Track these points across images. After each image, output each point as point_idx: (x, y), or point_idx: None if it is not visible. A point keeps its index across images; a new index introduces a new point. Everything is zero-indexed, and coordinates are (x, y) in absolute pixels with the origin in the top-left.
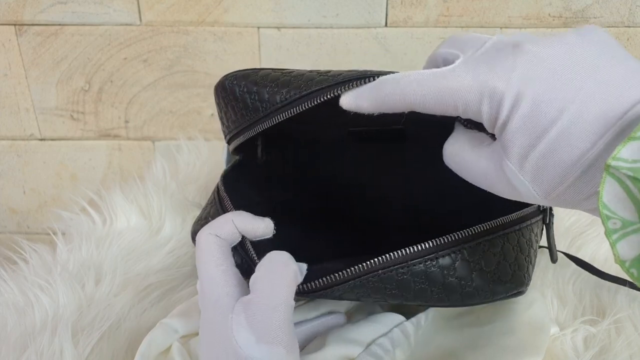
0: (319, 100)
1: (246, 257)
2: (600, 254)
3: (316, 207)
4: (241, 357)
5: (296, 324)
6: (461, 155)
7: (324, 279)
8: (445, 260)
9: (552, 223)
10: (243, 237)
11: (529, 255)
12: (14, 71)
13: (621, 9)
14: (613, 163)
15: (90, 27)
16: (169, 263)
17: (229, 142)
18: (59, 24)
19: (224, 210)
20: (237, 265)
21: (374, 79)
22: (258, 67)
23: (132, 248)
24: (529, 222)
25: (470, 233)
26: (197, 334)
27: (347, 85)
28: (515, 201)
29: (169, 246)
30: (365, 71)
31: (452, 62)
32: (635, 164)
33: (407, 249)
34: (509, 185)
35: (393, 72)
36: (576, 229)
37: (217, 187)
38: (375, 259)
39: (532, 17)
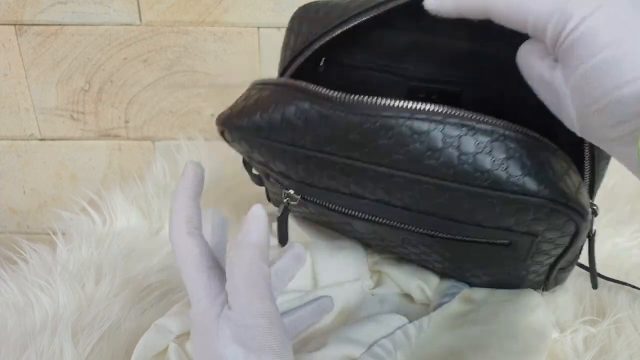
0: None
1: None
2: (600, 253)
3: None
4: None
5: (285, 313)
6: (530, 57)
7: (356, 97)
8: (483, 135)
9: (594, 240)
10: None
11: (579, 186)
12: (14, 71)
13: None
14: None
15: (90, 27)
16: (169, 263)
17: (287, 67)
18: (59, 24)
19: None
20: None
21: None
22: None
23: (132, 248)
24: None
25: (521, 130)
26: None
27: None
28: None
29: (169, 246)
30: None
31: None
32: None
33: (451, 109)
34: (556, 97)
35: None
36: None
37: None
38: (413, 103)
39: None
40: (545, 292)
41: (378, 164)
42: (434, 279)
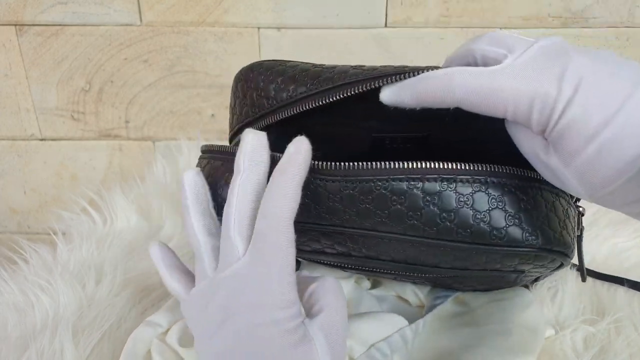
0: (354, 92)
1: None
2: (600, 253)
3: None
4: None
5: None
6: (518, 134)
7: (333, 164)
8: (463, 186)
9: (582, 237)
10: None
11: (564, 223)
12: (15, 71)
13: (621, 9)
14: None
15: (90, 28)
16: None
17: (234, 135)
18: (60, 24)
19: (230, 154)
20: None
21: (414, 74)
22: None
23: (132, 248)
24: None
25: (497, 169)
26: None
27: (385, 80)
28: None
29: (169, 246)
30: (404, 66)
31: (497, 60)
32: None
33: (429, 163)
34: (555, 176)
35: (430, 67)
36: None
37: (207, 152)
38: (389, 162)
39: (532, 18)
40: (544, 292)
41: (382, 230)
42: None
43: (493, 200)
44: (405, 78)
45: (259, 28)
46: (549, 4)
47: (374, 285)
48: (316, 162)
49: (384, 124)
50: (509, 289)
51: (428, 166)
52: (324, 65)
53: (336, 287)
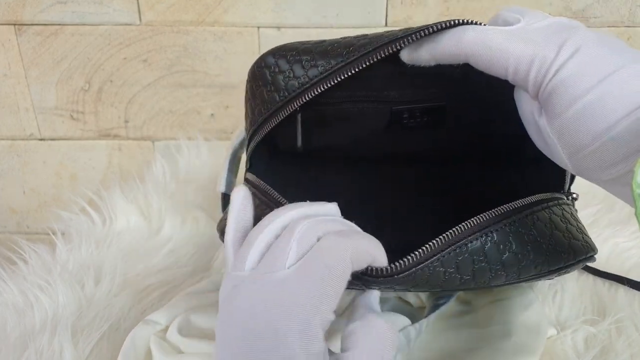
0: (378, 57)
1: None
2: (601, 253)
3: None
4: None
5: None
6: (520, 98)
7: (383, 269)
8: (500, 234)
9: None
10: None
11: (579, 227)
12: (14, 71)
13: (621, 9)
14: None
15: (90, 27)
16: (169, 263)
17: (255, 131)
18: (59, 24)
19: (274, 202)
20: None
21: (432, 31)
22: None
23: (131, 248)
24: (565, 201)
25: (517, 206)
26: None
27: (409, 38)
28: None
29: (168, 246)
30: (410, 28)
31: (512, 23)
32: None
33: (463, 225)
34: (543, 140)
35: (448, 22)
36: None
37: (252, 183)
38: (433, 242)
39: None
40: (545, 291)
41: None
42: None
43: (502, 246)
44: (424, 35)
45: (258, 28)
46: (549, 3)
47: None
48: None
49: (402, 94)
50: (511, 288)
51: (447, 238)
52: (345, 37)
53: (383, 335)
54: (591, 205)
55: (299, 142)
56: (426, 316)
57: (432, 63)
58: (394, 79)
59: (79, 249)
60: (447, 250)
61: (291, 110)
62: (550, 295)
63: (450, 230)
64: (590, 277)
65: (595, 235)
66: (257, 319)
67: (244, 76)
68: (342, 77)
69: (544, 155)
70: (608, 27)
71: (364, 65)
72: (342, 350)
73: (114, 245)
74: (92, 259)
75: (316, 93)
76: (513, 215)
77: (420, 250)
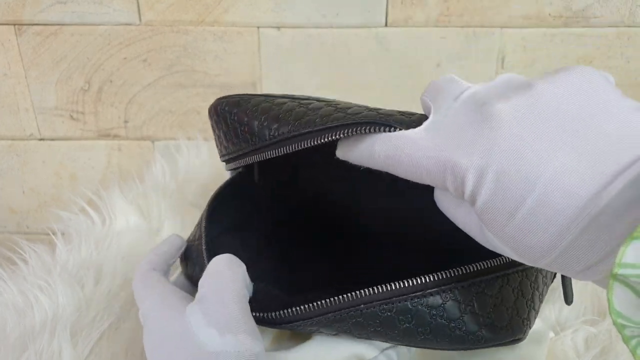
0: (306, 145)
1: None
2: None
3: (304, 233)
4: (208, 354)
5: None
6: (448, 208)
7: (302, 307)
8: (434, 300)
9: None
10: (201, 249)
11: (532, 300)
12: (14, 71)
13: (621, 9)
14: (620, 271)
15: (89, 27)
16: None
17: (226, 162)
18: (59, 24)
19: (200, 233)
20: (191, 277)
21: (359, 130)
22: (250, 92)
23: (131, 248)
24: (531, 272)
25: (464, 271)
26: None
27: (331, 134)
28: None
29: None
30: (358, 115)
31: (428, 113)
32: None
33: (393, 284)
34: (492, 246)
35: (386, 119)
36: None
37: (206, 207)
38: (357, 292)
39: (533, 17)
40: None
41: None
42: None
43: (463, 306)
44: (351, 134)
45: (258, 27)
46: (549, 3)
47: None
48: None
49: None
50: None
51: (393, 287)
52: (282, 105)
53: (217, 261)
54: None
55: (256, 177)
56: None
57: (360, 164)
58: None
59: (79, 249)
60: (374, 303)
61: (249, 162)
62: (549, 295)
63: (378, 286)
64: None
65: None
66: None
67: (244, 76)
68: (289, 150)
69: None
70: (608, 27)
71: (306, 145)
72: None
73: (113, 245)
74: (91, 259)
75: (267, 157)
76: (456, 282)
77: (340, 297)
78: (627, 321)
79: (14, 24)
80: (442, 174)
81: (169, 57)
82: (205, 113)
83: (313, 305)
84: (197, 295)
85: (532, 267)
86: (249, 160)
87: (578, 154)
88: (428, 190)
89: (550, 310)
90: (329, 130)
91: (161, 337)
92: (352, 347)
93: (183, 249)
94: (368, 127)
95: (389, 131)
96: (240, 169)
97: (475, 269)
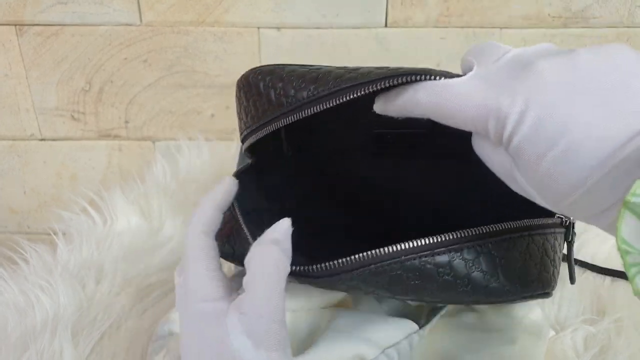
0: (347, 98)
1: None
2: (600, 253)
3: (330, 215)
4: None
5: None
6: (482, 147)
7: (344, 259)
8: (470, 253)
9: (574, 242)
10: (239, 225)
11: (554, 260)
12: (15, 71)
13: (621, 9)
14: (633, 199)
15: (90, 27)
16: (170, 263)
17: (244, 140)
18: (60, 24)
19: (234, 218)
20: (232, 255)
21: (403, 80)
22: (281, 63)
23: (132, 248)
24: (553, 231)
25: (495, 229)
26: None
27: (375, 85)
28: (540, 207)
29: (169, 246)
30: (397, 69)
31: (468, 71)
32: None
33: (432, 238)
34: (520, 188)
35: (425, 70)
36: (576, 230)
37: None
38: (397, 245)
39: (532, 17)
40: None
41: (409, 298)
42: None
43: (497, 259)
44: (392, 84)
45: (259, 28)
46: (549, 4)
47: None
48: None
49: (383, 119)
50: None
51: (432, 241)
52: (320, 69)
53: (262, 254)
54: None
55: (286, 149)
56: (427, 320)
57: (401, 117)
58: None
59: (80, 249)
60: (410, 256)
61: (279, 126)
62: None
63: (419, 239)
64: (590, 277)
65: (594, 235)
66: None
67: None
68: (328, 106)
69: None
70: (608, 27)
71: (348, 98)
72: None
73: (114, 245)
74: (92, 259)
75: (302, 117)
76: (489, 237)
77: (381, 249)
78: (631, 248)
79: (15, 25)
80: (485, 118)
81: (170, 58)
82: (206, 113)
83: (356, 257)
84: (240, 296)
85: (551, 234)
86: (282, 122)
87: (610, 111)
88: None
89: (550, 309)
90: (372, 82)
91: (198, 329)
92: (354, 348)
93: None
94: (413, 77)
95: (433, 79)
96: (251, 160)
97: (505, 227)
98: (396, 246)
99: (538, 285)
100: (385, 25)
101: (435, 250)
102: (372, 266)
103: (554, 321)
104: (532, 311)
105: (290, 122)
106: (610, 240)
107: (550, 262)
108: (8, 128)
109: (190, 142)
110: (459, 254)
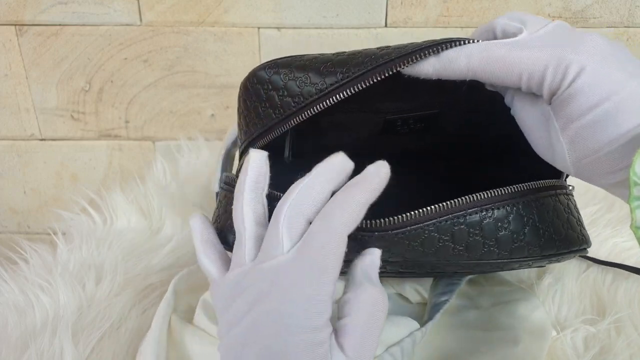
0: (386, 74)
1: None
2: (600, 253)
3: None
4: None
5: None
6: (523, 105)
7: (411, 213)
8: (500, 212)
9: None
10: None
11: (579, 220)
12: (15, 71)
13: (621, 9)
14: None
15: (90, 28)
16: (170, 263)
17: (247, 147)
18: (60, 24)
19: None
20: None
21: (450, 45)
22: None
23: (132, 248)
24: (571, 191)
25: (524, 188)
26: None
27: (410, 58)
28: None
29: (169, 246)
30: (432, 41)
31: (514, 34)
32: None
33: (465, 198)
34: (548, 143)
35: (457, 40)
36: None
37: (228, 180)
38: (432, 207)
39: None
40: (545, 291)
41: (442, 266)
42: (427, 280)
43: (499, 224)
44: (423, 57)
45: (259, 28)
46: (548, 4)
47: None
48: (368, 221)
49: (396, 105)
50: (515, 291)
51: (441, 208)
52: (344, 53)
53: (375, 300)
54: (590, 205)
55: (287, 154)
56: (429, 317)
57: (434, 78)
58: (387, 92)
59: (80, 248)
60: (444, 218)
61: (287, 127)
62: (550, 295)
63: (450, 201)
64: (591, 277)
65: (594, 235)
66: (264, 305)
67: (244, 76)
68: (339, 98)
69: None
70: (607, 27)
71: (360, 87)
72: (339, 318)
73: (114, 245)
74: (92, 259)
75: (313, 113)
76: (518, 197)
77: (418, 211)
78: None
79: (15, 25)
80: (544, 67)
81: (170, 58)
82: (205, 113)
83: (421, 211)
84: (344, 336)
85: (571, 193)
86: (314, 110)
87: None
88: None
89: (550, 309)
90: (417, 51)
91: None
92: None
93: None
94: (460, 42)
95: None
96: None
97: (533, 187)
98: (431, 208)
99: (562, 244)
100: (385, 26)
101: (468, 211)
102: (436, 220)
103: (555, 321)
104: (534, 313)
105: (323, 108)
106: (611, 240)
107: (576, 222)
108: (8, 128)
109: (190, 142)
110: (490, 212)
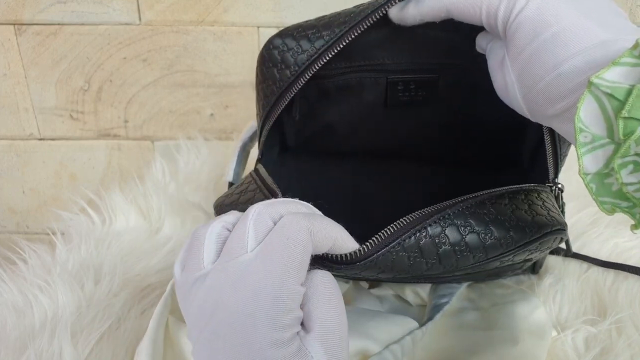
0: (371, 22)
1: None
2: (601, 254)
3: (343, 192)
4: None
5: None
6: (483, 42)
7: (375, 238)
8: (459, 218)
9: (564, 212)
10: None
11: (544, 206)
12: (13, 71)
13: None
14: (595, 80)
15: (89, 27)
16: (169, 263)
17: (269, 113)
18: (59, 24)
19: (273, 194)
20: None
21: None
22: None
23: (131, 248)
24: (534, 188)
25: (471, 196)
26: None
27: (387, 6)
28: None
29: (168, 246)
30: None
31: None
32: (614, 84)
33: (420, 212)
34: (503, 80)
35: None
36: (578, 229)
37: (260, 176)
38: (390, 227)
39: None
40: (545, 292)
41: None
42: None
43: (463, 227)
44: None
45: (258, 27)
46: None
47: (372, 285)
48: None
49: (396, 61)
50: (514, 292)
51: (398, 225)
52: (325, 16)
53: (326, 283)
54: (591, 205)
55: (295, 113)
56: (429, 317)
57: (418, 20)
58: (386, 45)
59: (79, 249)
60: (407, 235)
61: (302, 82)
62: (550, 296)
63: (407, 216)
64: (591, 278)
65: (595, 235)
66: (226, 305)
67: (244, 76)
68: (347, 41)
69: (523, 159)
70: None
71: (366, 26)
72: (301, 307)
73: (113, 245)
74: (91, 259)
75: (325, 60)
76: (470, 200)
77: (377, 236)
78: (585, 127)
79: (14, 24)
80: (498, 3)
81: (169, 57)
82: (205, 113)
83: (384, 233)
84: (311, 318)
85: (520, 192)
86: (307, 74)
87: (590, 18)
88: None
89: (551, 310)
90: (388, 2)
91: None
92: (356, 343)
93: None
94: None
95: None
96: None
97: (481, 194)
98: (389, 228)
99: (532, 229)
100: None
101: (428, 221)
102: (404, 236)
103: (555, 322)
104: (534, 313)
105: (322, 63)
106: (612, 240)
107: (541, 207)
108: (7, 128)
109: (189, 141)
110: (449, 220)
